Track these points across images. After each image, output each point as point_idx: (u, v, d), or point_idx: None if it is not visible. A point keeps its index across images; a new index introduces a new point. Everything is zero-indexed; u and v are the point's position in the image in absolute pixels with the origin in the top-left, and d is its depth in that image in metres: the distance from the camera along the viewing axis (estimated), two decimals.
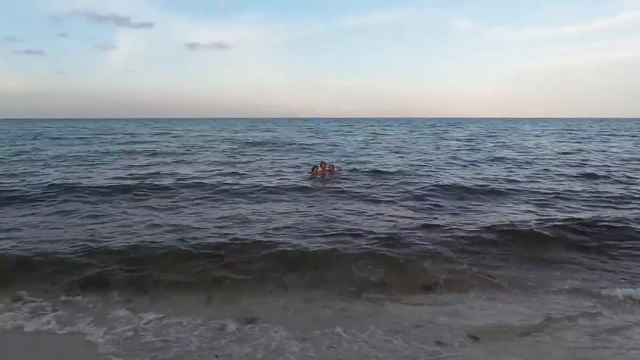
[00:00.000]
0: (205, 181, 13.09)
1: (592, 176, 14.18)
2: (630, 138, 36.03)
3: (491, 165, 17.50)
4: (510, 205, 10.04)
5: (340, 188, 12.06)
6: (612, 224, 7.86)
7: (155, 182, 12.60)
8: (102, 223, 8.34)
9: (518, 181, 13.35)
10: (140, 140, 34.83)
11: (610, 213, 8.90)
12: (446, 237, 7.32)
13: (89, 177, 14.08)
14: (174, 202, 10.23)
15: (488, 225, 7.92)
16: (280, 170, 16.13)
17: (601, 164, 17.31)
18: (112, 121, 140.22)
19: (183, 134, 47.35)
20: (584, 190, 11.57)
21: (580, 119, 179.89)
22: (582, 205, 9.83)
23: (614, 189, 11.79)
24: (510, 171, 15.81)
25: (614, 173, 14.73)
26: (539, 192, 11.32)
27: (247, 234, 7.40)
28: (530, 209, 9.59)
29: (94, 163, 18.35)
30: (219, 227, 7.93)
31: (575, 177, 14.13)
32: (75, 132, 50.26)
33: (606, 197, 10.61)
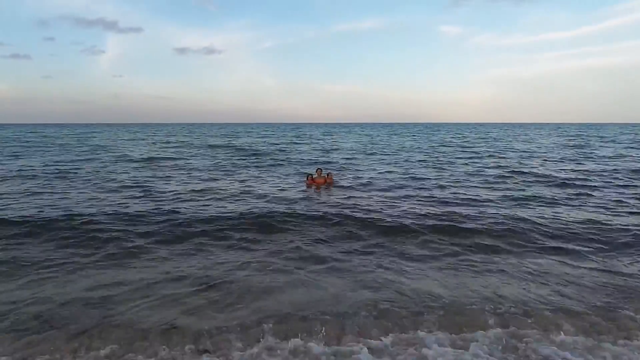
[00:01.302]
0: (156, 210, 9.50)
1: None
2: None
3: (500, 180, 15.14)
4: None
5: (332, 212, 9.32)
6: None
7: (83, 213, 9.06)
8: None
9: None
10: (111, 147, 32.01)
11: None
12: None
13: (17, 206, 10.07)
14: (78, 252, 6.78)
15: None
16: (261, 187, 13.17)
17: None
18: (101, 126, 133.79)
19: (168, 139, 44.79)
20: None
21: (568, 124, 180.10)
22: None
23: None
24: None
25: None
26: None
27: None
28: None
29: (45, 181, 14.31)
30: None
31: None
32: (54, 137, 47.03)
33: None
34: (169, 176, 15.85)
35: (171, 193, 11.93)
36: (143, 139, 44.62)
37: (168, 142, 38.70)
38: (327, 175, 13.38)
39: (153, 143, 38.00)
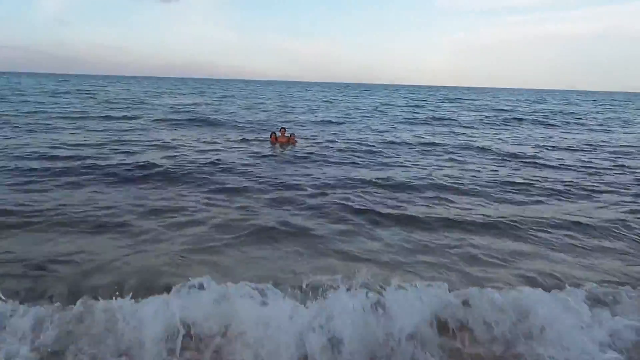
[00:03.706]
0: None
1: None
2: None
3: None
4: None
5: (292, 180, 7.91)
6: None
7: None
8: None
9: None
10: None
11: None
12: None
13: None
14: None
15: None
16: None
17: None
18: (41, 75, 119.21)
19: (114, 91, 40.66)
20: None
21: (527, 89, 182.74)
22: None
23: None
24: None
25: None
26: None
27: None
28: None
29: None
30: None
31: None
32: None
33: None
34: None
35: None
36: (81, 91, 39.58)
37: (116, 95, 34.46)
38: (291, 135, 12.97)
39: (90, 97, 33.56)
